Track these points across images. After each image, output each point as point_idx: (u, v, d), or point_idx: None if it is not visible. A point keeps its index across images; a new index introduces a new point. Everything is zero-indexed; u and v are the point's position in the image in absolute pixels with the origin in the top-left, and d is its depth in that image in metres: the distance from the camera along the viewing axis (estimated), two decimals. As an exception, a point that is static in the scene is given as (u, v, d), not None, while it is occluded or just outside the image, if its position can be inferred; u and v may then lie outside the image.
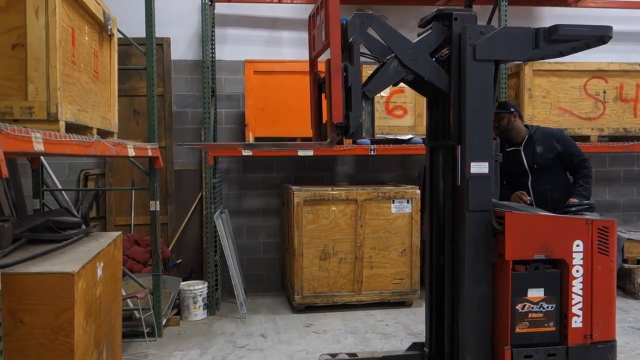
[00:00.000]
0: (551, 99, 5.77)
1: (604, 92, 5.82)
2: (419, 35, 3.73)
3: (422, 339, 4.65)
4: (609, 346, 3.31)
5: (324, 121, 3.64)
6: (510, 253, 3.22)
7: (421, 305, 5.66)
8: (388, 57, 3.37)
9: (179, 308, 5.33)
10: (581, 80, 5.83)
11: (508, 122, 4.28)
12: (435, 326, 3.83)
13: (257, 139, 5.54)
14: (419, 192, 5.61)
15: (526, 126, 4.39)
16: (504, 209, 3.36)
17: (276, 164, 6.53)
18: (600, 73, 5.85)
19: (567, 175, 4.39)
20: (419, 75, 3.35)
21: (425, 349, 3.95)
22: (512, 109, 4.31)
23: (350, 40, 3.20)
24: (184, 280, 5.54)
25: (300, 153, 5.49)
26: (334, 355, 4.05)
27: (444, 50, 3.45)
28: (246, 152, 5.41)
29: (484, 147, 3.34)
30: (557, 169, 4.27)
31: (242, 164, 6.48)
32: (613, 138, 5.91)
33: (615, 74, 5.86)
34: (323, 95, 3.59)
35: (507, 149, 4.30)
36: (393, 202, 5.58)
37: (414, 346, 4.08)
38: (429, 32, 3.44)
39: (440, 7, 3.57)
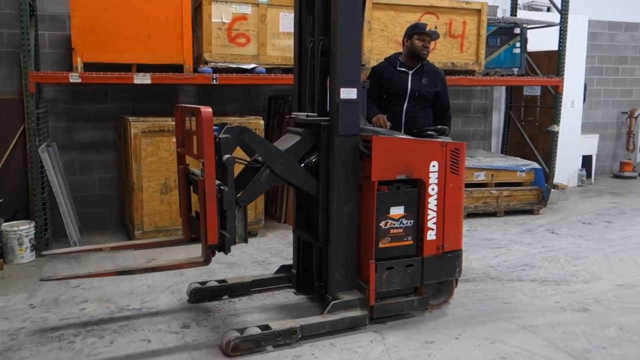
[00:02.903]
0: (389, 32, 5.97)
1: (436, 27, 6.12)
2: (290, 122, 3.79)
3: (265, 266, 4.79)
4: (457, 254, 3.71)
5: (192, 213, 3.67)
6: (376, 174, 3.41)
7: (265, 234, 5.77)
8: (258, 159, 3.48)
9: (2, 251, 4.86)
10: (416, 15, 6.08)
11: (429, 48, 4.49)
12: (303, 249, 3.99)
13: (86, 64, 5.06)
14: (262, 122, 5.58)
15: None
16: (370, 134, 3.49)
17: (111, 93, 6.09)
18: (432, 9, 6.15)
19: None
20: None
21: (293, 270, 4.06)
22: None
23: (224, 160, 3.18)
24: (7, 221, 5.04)
25: (137, 81, 5.14)
26: (203, 284, 4.00)
27: (312, 158, 3.54)
28: (74, 79, 4.93)
29: (353, 73, 3.45)
30: (429, 104, 4.53)
31: (72, 93, 5.95)
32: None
33: (445, 10, 6.20)
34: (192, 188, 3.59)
35: (398, 68, 4.47)
36: (236, 133, 5.48)
37: (282, 269, 4.19)
38: (298, 138, 3.52)
39: (310, 115, 3.61)
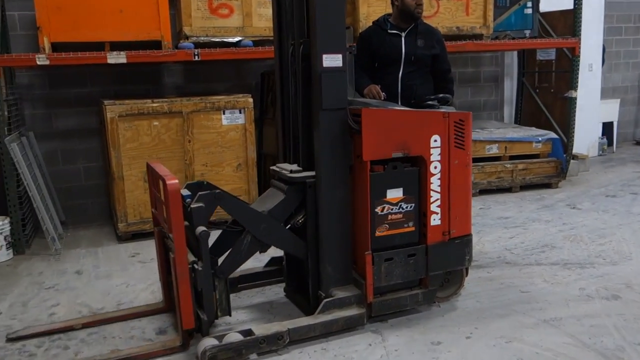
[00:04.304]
0: (385, -5, 5.44)
1: (438, -12, 5.61)
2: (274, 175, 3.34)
3: (259, 257, 4.36)
4: (465, 240, 3.26)
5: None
6: (368, 153, 2.95)
7: (260, 221, 5.35)
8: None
9: (-25, 250, 4.51)
10: (416, -25, 5.55)
11: (423, 5, 3.92)
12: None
13: (55, 45, 4.63)
14: (251, 100, 5.13)
15: None
16: (360, 106, 3.04)
17: (90, 76, 5.66)
18: (434, -32, 5.61)
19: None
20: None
21: (283, 263, 3.64)
22: None
23: (197, 234, 2.79)
24: (-20, 218, 4.68)
25: (111, 60, 4.70)
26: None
27: (298, 218, 3.12)
28: (42, 61, 4.50)
29: (337, 37, 2.97)
30: (428, 69, 3.99)
31: (48, 77, 5.53)
32: (447, 37, 5.77)
33: (448, -31, 5.65)
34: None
35: (389, 31, 3.93)
36: (224, 113, 5.05)
37: (273, 261, 3.77)
38: (282, 197, 3.10)
39: (294, 170, 3.16)
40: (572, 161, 6.67)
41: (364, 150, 2.93)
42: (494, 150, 6.08)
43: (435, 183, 3.12)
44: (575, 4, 6.40)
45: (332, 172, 3.03)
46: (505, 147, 6.10)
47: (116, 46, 4.80)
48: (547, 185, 6.23)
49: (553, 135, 6.33)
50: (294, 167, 3.23)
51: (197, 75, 6.04)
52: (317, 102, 2.97)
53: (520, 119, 7.46)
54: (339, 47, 2.95)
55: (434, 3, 5.63)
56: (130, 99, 5.08)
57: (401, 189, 3.09)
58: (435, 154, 3.09)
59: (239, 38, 5.10)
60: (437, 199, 3.14)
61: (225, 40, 5.08)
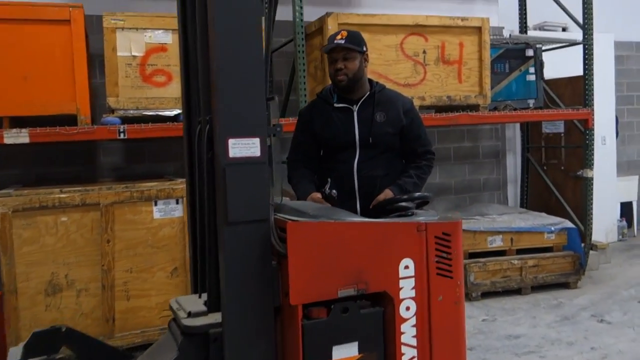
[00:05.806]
0: (361, 60, 4.53)
1: (424, 52, 4.71)
2: None
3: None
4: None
5: None
6: (298, 292, 1.88)
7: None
8: None
9: None
10: (397, 37, 4.67)
11: (359, 67, 2.84)
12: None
13: (-60, 121, 3.68)
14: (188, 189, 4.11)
15: (369, 80, 3.02)
16: (289, 216, 2.03)
17: (8, 157, 4.70)
18: (418, 29, 4.72)
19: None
20: None
21: None
22: (365, 48, 2.90)
23: None
24: None
25: (9, 140, 3.73)
26: None
27: None
28: None
29: (252, 111, 1.95)
30: (394, 153, 2.93)
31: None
32: (437, 108, 4.83)
33: (435, 30, 4.76)
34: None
35: (336, 105, 2.90)
36: (156, 204, 4.01)
37: None
38: (174, 356, 2.05)
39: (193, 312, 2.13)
40: (590, 252, 5.59)
41: (291, 288, 1.86)
42: (497, 242, 5.01)
43: (408, 332, 2.03)
44: (585, 70, 5.51)
45: (246, 318, 1.95)
46: (512, 239, 5.04)
47: (21, 122, 3.86)
48: (564, 285, 5.11)
49: (568, 224, 5.27)
50: (198, 304, 2.16)
51: (140, 154, 5.08)
52: (222, 210, 1.93)
53: (527, 201, 6.43)
54: (254, 128, 1.94)
55: (420, 69, 4.71)
56: (56, 184, 4.16)
57: (356, 343, 2.00)
58: (407, 288, 2.02)
59: (178, 111, 4.14)
60: (414, 357, 2.04)
61: (160, 114, 4.13)
